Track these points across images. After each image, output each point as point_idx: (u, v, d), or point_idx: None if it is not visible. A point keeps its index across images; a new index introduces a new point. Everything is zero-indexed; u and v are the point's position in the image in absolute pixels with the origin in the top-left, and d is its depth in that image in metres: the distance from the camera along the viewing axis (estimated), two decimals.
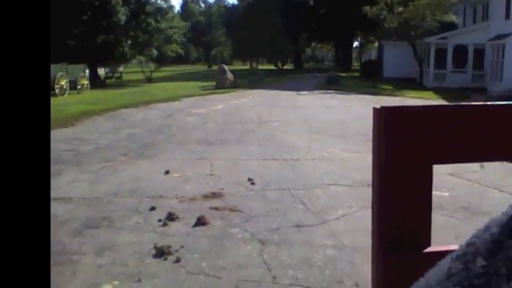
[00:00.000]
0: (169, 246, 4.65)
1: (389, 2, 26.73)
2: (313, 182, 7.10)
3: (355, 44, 67.16)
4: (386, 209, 0.63)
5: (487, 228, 0.38)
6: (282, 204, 6.07)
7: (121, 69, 40.59)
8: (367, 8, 27.15)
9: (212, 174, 7.59)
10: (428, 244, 0.65)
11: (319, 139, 10.72)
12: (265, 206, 6.00)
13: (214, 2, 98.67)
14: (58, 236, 5.06)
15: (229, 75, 29.06)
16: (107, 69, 38.30)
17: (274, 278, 4.12)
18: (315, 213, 5.76)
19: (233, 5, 69.22)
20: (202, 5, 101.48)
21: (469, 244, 0.38)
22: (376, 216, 0.63)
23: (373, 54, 54.73)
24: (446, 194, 6.42)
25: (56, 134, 11.40)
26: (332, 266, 4.34)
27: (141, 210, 5.83)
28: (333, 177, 7.37)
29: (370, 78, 30.30)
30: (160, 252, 4.56)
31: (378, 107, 0.62)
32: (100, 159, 8.68)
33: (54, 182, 7.18)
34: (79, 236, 5.09)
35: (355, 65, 57.83)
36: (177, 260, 4.42)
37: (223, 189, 6.68)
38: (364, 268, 4.27)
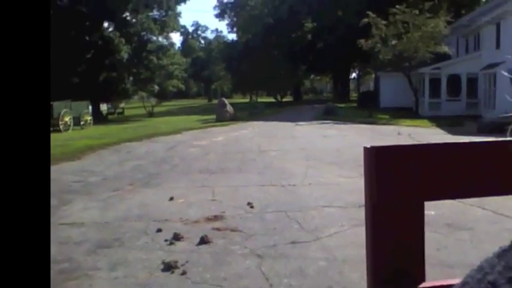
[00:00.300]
0: (176, 262, 5.14)
1: (383, 35, 27.73)
2: (309, 205, 7.62)
3: (353, 75, 68.50)
4: (380, 245, 0.63)
5: (480, 268, 0.40)
6: (278, 224, 6.58)
7: (122, 104, 41.45)
8: (362, 41, 28.16)
9: (214, 200, 8.11)
10: (423, 280, 0.65)
11: (315, 166, 11.27)
12: (263, 226, 6.51)
13: (214, 38, 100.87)
14: (74, 255, 5.56)
15: (229, 108, 29.84)
16: (109, 105, 39.17)
17: (271, 285, 4.61)
18: (309, 231, 6.26)
19: (232, 40, 70.89)
20: (202, 41, 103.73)
21: (463, 283, 0.39)
22: (370, 253, 0.64)
23: (371, 85, 55.84)
24: (432, 212, 6.93)
25: (64, 167, 11.99)
26: (323, 275, 4.83)
27: (149, 232, 6.33)
28: (327, 200, 7.88)
29: (367, 109, 31.06)
30: (168, 267, 5.05)
31: (368, 146, 0.64)
32: (108, 189, 9.23)
33: (66, 210, 7.72)
34: (93, 254, 5.59)
35: (353, 95, 58.88)
36: (183, 273, 4.91)
37: (224, 212, 7.20)
38: (352, 276, 4.77)
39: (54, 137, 19.69)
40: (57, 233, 6.42)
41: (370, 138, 16.93)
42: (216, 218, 6.92)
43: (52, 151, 14.26)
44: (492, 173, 0.64)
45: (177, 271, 4.96)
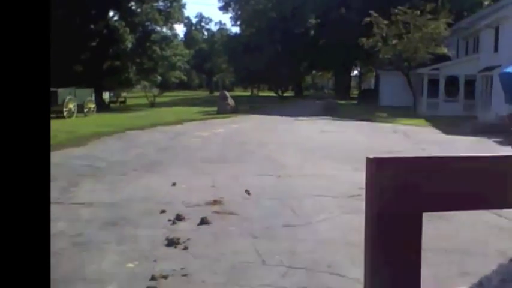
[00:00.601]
0: (179, 238, 5.68)
1: (384, 34, 28.23)
2: (303, 193, 8.16)
3: (355, 72, 68.93)
4: (378, 254, 0.64)
5: (479, 284, 0.68)
6: (273, 210, 7.13)
7: (124, 94, 41.92)
8: (363, 39, 28.66)
9: (214, 187, 8.65)
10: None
11: (311, 159, 11.81)
12: (259, 211, 7.05)
13: (217, 31, 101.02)
14: (85, 230, 6.10)
15: (231, 101, 30.33)
16: (111, 94, 39.64)
17: (263, 261, 5.15)
18: (302, 216, 6.81)
19: (235, 33, 71.21)
20: (206, 33, 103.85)
21: None
22: (369, 261, 0.65)
23: (372, 83, 56.34)
24: None
25: (70, 152, 12.52)
26: (311, 253, 5.37)
27: (153, 212, 6.87)
28: (320, 189, 8.42)
29: (367, 106, 31.58)
30: (171, 243, 5.59)
31: (371, 156, 0.64)
32: (114, 173, 9.77)
33: (76, 191, 8.25)
34: (102, 230, 6.13)
35: (355, 93, 59.32)
36: (185, 248, 5.46)
37: (223, 198, 7.73)
38: (336, 255, 5.32)
39: (58, 123, 20.23)
40: (69, 212, 6.96)
41: (367, 135, 17.45)
42: (215, 202, 7.46)
43: (58, 137, 14.83)
44: (491, 186, 0.66)
45: (180, 246, 5.50)
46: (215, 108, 29.96)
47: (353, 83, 67.81)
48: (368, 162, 0.65)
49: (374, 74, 50.71)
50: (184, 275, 4.69)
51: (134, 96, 45.54)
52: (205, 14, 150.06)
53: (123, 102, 38.16)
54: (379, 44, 28.40)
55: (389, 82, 34.16)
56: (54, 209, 7.06)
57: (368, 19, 28.07)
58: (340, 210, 7.04)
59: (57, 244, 5.55)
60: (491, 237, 6.02)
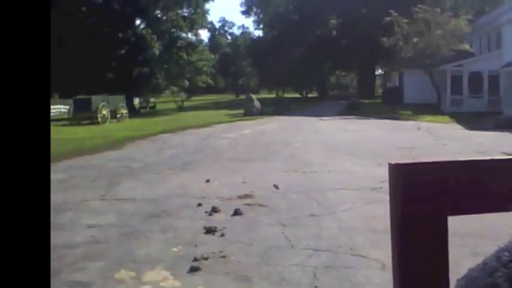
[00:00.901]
0: (215, 227, 6.28)
1: (405, 33, 28.43)
2: (327, 187, 8.68)
3: (379, 71, 68.72)
4: (405, 261, 0.63)
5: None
6: (300, 202, 7.67)
7: (153, 99, 43.06)
8: (384, 39, 28.92)
9: (244, 182, 9.25)
10: None
11: (335, 156, 12.29)
12: (286, 203, 7.61)
13: (240, 34, 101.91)
14: (131, 222, 6.77)
15: (256, 103, 30.98)
16: (141, 100, 40.83)
17: (292, 245, 5.70)
18: (326, 207, 7.33)
19: (258, 36, 71.94)
20: (229, 37, 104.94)
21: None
22: (397, 269, 0.63)
23: (397, 81, 56.17)
24: None
25: (108, 155, 13.33)
26: (335, 238, 5.90)
27: (191, 206, 7.50)
28: (343, 184, 8.92)
29: (391, 105, 31.73)
30: (209, 231, 6.20)
31: (393, 163, 0.63)
32: (150, 172, 10.48)
33: (118, 189, 8.97)
34: (146, 222, 6.78)
35: (379, 91, 59.22)
36: (222, 235, 6.06)
37: (253, 192, 8.32)
38: (358, 239, 5.83)
39: (94, 128, 21.21)
40: (114, 207, 7.66)
41: (389, 132, 17.80)
42: (246, 196, 8.05)
43: (95, 141, 15.71)
44: None
45: (217, 234, 6.10)
46: (241, 111, 30.65)
47: (378, 82, 67.66)
48: (390, 168, 0.64)
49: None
50: (223, 257, 5.28)
51: (162, 101, 46.67)
52: (228, 19, 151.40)
53: (153, 107, 39.25)
54: (400, 42, 28.61)
55: (412, 80, 34.24)
56: (101, 205, 7.80)
57: (388, 18, 28.31)
58: (362, 202, 7.54)
59: (107, 234, 6.24)
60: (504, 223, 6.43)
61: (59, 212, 7.29)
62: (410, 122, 22.27)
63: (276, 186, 8.67)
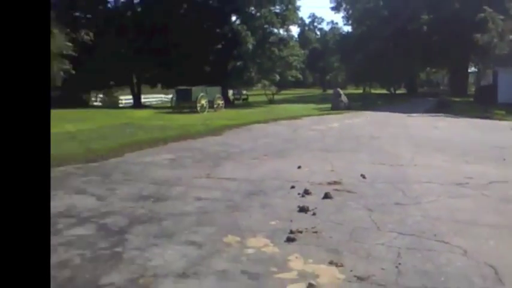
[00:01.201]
0: (308, 207, 6.82)
1: (500, 30, 26.89)
2: (413, 180, 8.86)
3: (472, 68, 64.98)
4: None
5: None
6: (386, 191, 7.97)
7: (245, 91, 44.51)
8: (478, 36, 27.57)
9: (333, 171, 9.68)
10: None
11: (422, 152, 12.28)
12: (373, 191, 7.95)
13: (329, 30, 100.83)
14: (234, 198, 7.50)
15: (344, 98, 30.98)
16: (234, 91, 42.43)
17: (378, 227, 6.08)
18: (411, 198, 7.57)
19: (347, 32, 70.97)
20: (318, 33, 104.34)
21: None
22: None
23: (491, 79, 52.85)
24: None
25: (209, 141, 14.37)
26: (418, 224, 6.19)
27: (285, 188, 8.10)
28: (429, 177, 9.04)
29: (484, 103, 30.18)
30: (302, 209, 6.75)
31: None
32: (247, 157, 11.25)
33: (220, 170, 9.81)
34: (247, 198, 7.48)
35: (472, 89, 56.11)
36: (314, 214, 6.58)
37: (341, 179, 8.73)
38: (441, 227, 6.07)
39: (194, 116, 22.61)
40: (218, 184, 8.46)
41: (480, 131, 17.19)
42: (335, 182, 8.49)
43: (197, 128, 16.89)
44: None
45: (309, 213, 6.63)
46: (329, 105, 30.81)
47: (471, 80, 64.02)
48: None
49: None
50: (315, 232, 5.81)
51: (253, 94, 48.00)
52: (318, 14, 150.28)
53: (246, 99, 40.64)
54: (495, 39, 27.12)
55: (508, 78, 32.19)
56: (207, 182, 8.65)
57: (482, 14, 26.92)
58: (447, 195, 7.67)
59: (214, 206, 7.01)
60: None
61: (172, 186, 8.25)
62: (504, 122, 21.20)
63: (363, 176, 9.01)
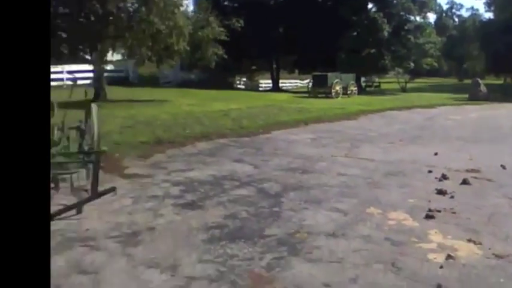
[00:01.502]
0: (445, 190, 6.89)
1: None
2: None
3: None
4: None
5: None
6: None
7: (377, 79, 43.38)
8: None
9: (471, 160, 9.42)
10: None
11: None
12: None
13: (469, 17, 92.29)
14: (373, 176, 7.84)
15: (483, 88, 28.69)
16: (366, 78, 41.64)
17: None
18: None
19: (489, 19, 64.26)
20: (456, 20, 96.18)
21: None
22: None
23: None
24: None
25: (345, 124, 14.72)
26: None
27: (422, 171, 8.19)
28: None
29: None
30: (440, 192, 6.84)
31: None
32: (383, 141, 11.41)
33: (358, 150, 10.16)
34: (385, 178, 7.77)
35: None
36: (452, 197, 6.65)
37: (480, 168, 8.51)
38: None
39: (329, 101, 23.01)
40: (357, 163, 8.85)
41: None
42: (473, 170, 8.32)
43: (333, 112, 17.31)
44: None
45: (447, 195, 6.71)
46: (465, 95, 28.81)
47: None
48: None
49: None
50: (453, 212, 5.94)
51: (384, 81, 46.53)
52: (456, 0, 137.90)
53: (378, 86, 39.76)
54: None
55: None
56: (346, 160, 9.09)
57: None
58: None
59: (355, 181, 7.45)
60: None
61: (316, 161, 8.86)
62: None
63: (503, 167, 8.66)
